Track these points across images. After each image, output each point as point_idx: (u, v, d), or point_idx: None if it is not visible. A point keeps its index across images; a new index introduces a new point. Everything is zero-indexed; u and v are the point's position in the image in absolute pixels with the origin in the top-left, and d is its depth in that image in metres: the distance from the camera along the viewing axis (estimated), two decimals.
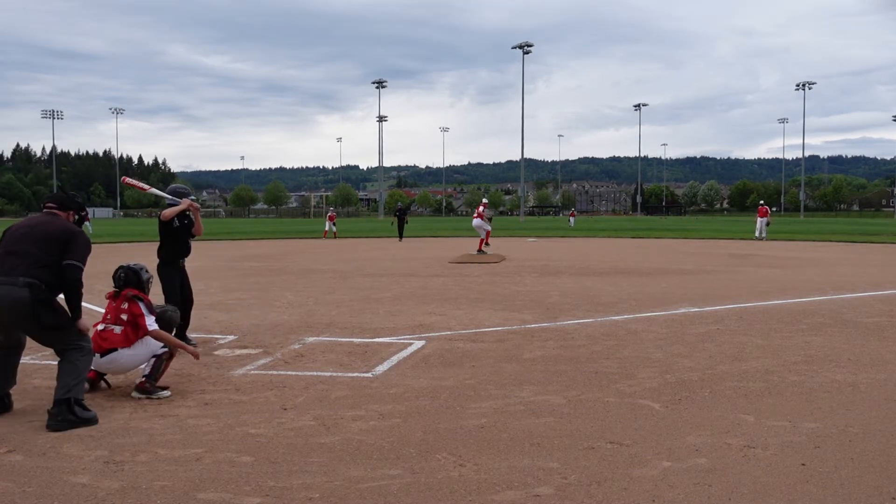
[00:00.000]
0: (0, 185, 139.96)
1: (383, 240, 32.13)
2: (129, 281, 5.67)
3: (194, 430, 4.67)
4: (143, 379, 5.44)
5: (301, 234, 41.65)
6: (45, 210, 5.15)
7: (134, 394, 5.44)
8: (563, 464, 4.04)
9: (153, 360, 5.49)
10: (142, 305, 5.54)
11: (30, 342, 5.22)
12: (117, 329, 5.45)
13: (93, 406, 4.97)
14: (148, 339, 5.52)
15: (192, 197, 7.62)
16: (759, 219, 30.80)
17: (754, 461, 4.07)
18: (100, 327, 5.54)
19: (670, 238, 34.70)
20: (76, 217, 5.28)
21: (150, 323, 5.48)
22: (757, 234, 30.79)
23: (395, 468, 3.98)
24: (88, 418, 4.76)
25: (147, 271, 5.85)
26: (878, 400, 5.38)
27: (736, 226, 53.16)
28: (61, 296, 4.94)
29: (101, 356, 5.41)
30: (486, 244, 21.57)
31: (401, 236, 32.14)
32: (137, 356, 5.47)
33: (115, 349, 5.41)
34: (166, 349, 5.60)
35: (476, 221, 22.24)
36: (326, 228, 35.66)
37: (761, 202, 32.91)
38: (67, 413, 4.70)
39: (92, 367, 5.50)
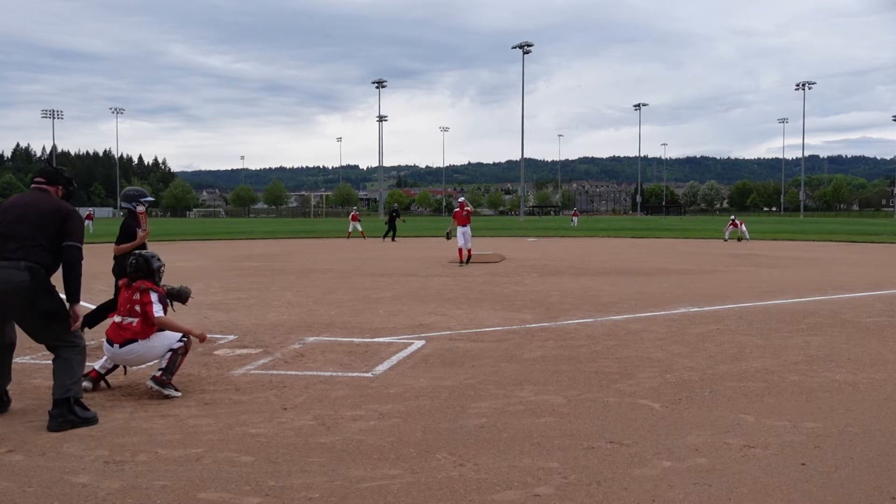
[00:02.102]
0: (0, 185, 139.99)
1: (382, 239, 32.08)
2: (139, 268, 5.71)
3: (194, 430, 4.66)
4: (161, 372, 5.48)
5: (301, 233, 41.65)
6: (33, 186, 5.06)
7: (148, 383, 5.50)
8: (563, 464, 4.03)
9: (169, 353, 5.53)
10: (152, 295, 5.58)
11: (28, 342, 5.22)
12: (134, 321, 5.52)
13: (93, 406, 4.97)
14: (165, 332, 5.58)
15: (150, 198, 7.81)
16: (741, 227, 31.55)
17: (754, 461, 4.07)
18: (117, 318, 5.60)
19: (670, 238, 34.72)
20: (65, 192, 5.16)
21: (157, 310, 5.53)
22: (748, 235, 31.57)
23: (395, 468, 3.98)
24: (89, 418, 4.75)
25: (159, 259, 5.89)
26: (878, 400, 5.38)
27: None
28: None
29: (121, 346, 5.48)
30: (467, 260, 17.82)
31: (393, 237, 31.91)
32: (155, 348, 5.54)
33: (136, 340, 5.47)
34: (181, 343, 5.64)
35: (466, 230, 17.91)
36: (350, 230, 35.14)
37: (732, 217, 34.57)
38: (68, 413, 4.68)
39: (110, 359, 5.61)
